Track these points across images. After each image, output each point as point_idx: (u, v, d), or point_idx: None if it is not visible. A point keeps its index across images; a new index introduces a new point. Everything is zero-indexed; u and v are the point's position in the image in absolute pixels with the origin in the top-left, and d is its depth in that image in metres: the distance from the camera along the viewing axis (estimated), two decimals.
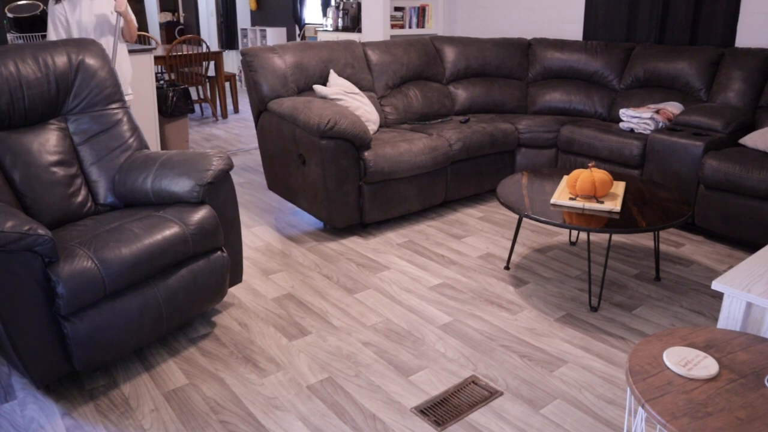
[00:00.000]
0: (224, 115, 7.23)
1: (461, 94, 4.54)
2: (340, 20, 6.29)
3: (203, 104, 7.92)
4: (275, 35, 8.70)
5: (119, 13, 3.44)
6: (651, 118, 3.68)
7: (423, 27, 5.84)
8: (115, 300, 2.07)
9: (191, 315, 2.37)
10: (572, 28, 4.91)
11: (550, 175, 3.16)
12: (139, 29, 9.32)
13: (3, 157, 2.38)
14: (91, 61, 2.67)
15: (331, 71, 3.93)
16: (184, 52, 6.47)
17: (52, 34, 3.44)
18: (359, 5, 6.08)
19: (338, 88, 3.72)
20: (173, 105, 5.11)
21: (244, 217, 3.89)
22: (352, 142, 3.32)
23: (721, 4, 3.97)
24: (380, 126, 4.12)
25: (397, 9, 5.64)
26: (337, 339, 2.48)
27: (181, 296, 2.27)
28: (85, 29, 3.45)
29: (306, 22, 8.39)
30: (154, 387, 2.17)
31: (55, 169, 2.48)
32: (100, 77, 2.68)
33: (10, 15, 4.06)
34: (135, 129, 2.74)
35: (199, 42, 6.77)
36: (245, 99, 8.56)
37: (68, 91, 2.61)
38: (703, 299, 2.79)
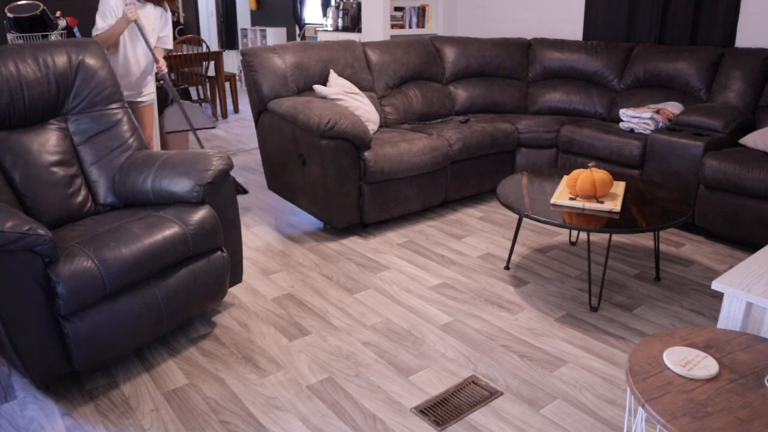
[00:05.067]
0: (224, 115, 7.23)
1: (461, 94, 4.54)
2: (340, 20, 6.29)
3: (203, 104, 7.91)
4: (275, 35, 8.70)
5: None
6: (651, 118, 3.68)
7: (423, 27, 5.83)
8: (115, 300, 2.07)
9: (191, 315, 2.37)
10: (572, 28, 4.90)
11: (550, 175, 3.16)
12: None
13: (3, 157, 2.38)
14: (91, 61, 2.67)
15: (331, 71, 3.93)
16: (184, 52, 6.47)
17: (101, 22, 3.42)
18: (359, 5, 6.08)
19: (338, 88, 3.72)
20: (171, 99, 5.10)
21: (244, 217, 3.89)
22: (352, 142, 3.32)
23: (721, 4, 3.97)
24: (380, 126, 4.12)
25: (397, 9, 5.64)
26: (337, 339, 2.48)
27: (181, 296, 2.27)
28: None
29: (306, 22, 8.38)
30: (154, 387, 2.17)
31: (55, 169, 2.48)
32: (100, 77, 2.68)
33: (10, 15, 4.05)
34: (135, 129, 2.74)
35: (199, 42, 6.77)
36: (245, 99, 8.56)
37: (68, 91, 2.61)
38: (703, 299, 2.79)
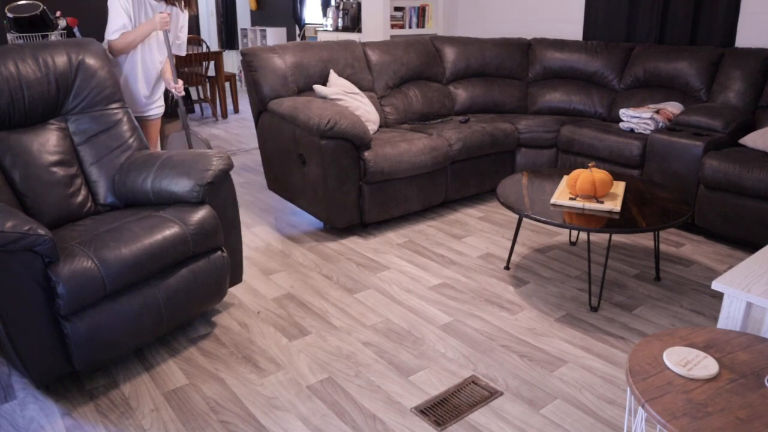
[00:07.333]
0: (224, 115, 7.23)
1: (461, 94, 4.54)
2: (340, 20, 6.29)
3: (203, 104, 7.92)
4: (275, 35, 8.70)
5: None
6: (651, 118, 3.68)
7: (423, 27, 5.83)
8: (115, 300, 2.07)
9: (191, 315, 2.37)
10: (572, 28, 4.90)
11: (550, 175, 3.16)
12: None
13: (3, 157, 2.38)
14: (91, 61, 2.67)
15: (331, 71, 3.93)
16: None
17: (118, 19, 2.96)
18: (359, 5, 6.08)
19: (338, 88, 3.72)
20: (173, 105, 5.11)
21: (244, 217, 3.89)
22: (352, 142, 3.32)
23: (721, 4, 3.97)
24: (380, 126, 4.12)
25: (397, 9, 5.64)
26: (337, 339, 2.48)
27: (181, 296, 2.27)
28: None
29: (306, 22, 8.38)
30: (154, 387, 2.17)
31: (55, 169, 2.48)
32: (100, 77, 2.68)
33: (10, 15, 4.05)
34: (135, 129, 2.74)
35: (199, 42, 6.77)
36: (245, 99, 8.56)
37: (68, 91, 2.61)
38: (703, 299, 2.79)
